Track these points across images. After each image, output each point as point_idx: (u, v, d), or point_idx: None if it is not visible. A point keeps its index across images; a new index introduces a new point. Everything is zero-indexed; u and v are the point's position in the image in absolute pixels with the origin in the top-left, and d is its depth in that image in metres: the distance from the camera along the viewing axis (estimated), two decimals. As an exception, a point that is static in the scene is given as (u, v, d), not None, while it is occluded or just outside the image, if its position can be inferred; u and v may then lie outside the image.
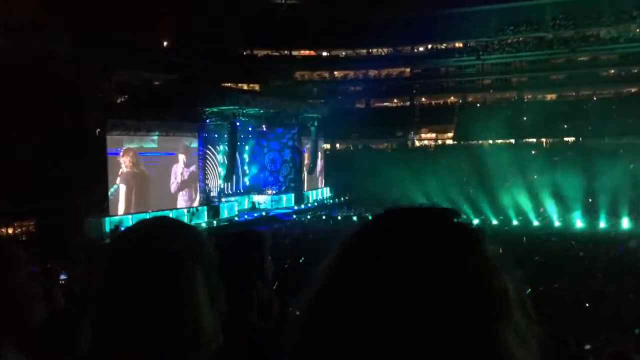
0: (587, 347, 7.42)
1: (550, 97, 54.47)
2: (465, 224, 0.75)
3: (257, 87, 51.90)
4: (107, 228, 24.38)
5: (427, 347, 0.63)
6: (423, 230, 0.71)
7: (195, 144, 30.00)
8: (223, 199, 32.75)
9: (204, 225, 28.17)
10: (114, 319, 1.07)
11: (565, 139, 48.63)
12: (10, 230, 24.22)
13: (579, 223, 29.66)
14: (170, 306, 1.07)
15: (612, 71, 52.99)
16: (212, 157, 32.93)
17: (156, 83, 41.78)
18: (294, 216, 34.09)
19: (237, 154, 33.16)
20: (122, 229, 1.21)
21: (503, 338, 0.66)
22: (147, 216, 24.43)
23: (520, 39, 55.01)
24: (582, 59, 53.42)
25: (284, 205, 36.40)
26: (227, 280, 1.88)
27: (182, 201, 29.25)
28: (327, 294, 0.70)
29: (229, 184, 35.01)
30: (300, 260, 18.07)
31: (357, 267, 0.69)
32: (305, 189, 39.33)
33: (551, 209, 32.14)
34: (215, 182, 33.37)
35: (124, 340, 1.06)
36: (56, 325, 2.31)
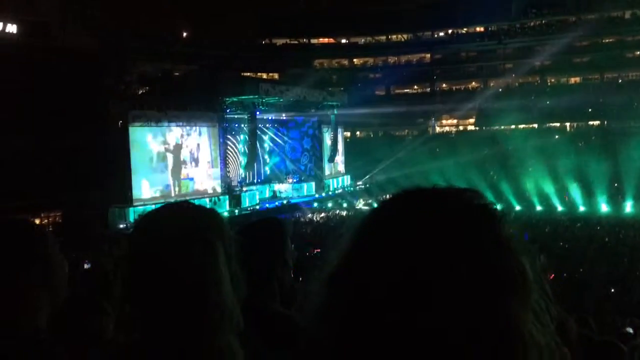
0: (629, 330, 7.25)
1: (574, 80, 53.43)
2: (483, 203, 0.73)
3: (276, 76, 51.87)
4: (132, 218, 24.74)
5: (443, 326, 0.62)
6: (441, 208, 0.70)
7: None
8: (244, 188, 32.96)
9: (225, 214, 28.41)
10: (143, 297, 1.11)
11: (590, 122, 47.74)
12: (37, 221, 24.71)
13: (604, 208, 29.19)
14: (196, 281, 1.10)
15: (638, 53, 51.70)
16: (233, 146, 33.12)
17: (176, 74, 42.05)
18: (315, 204, 34.17)
19: (257, 143, 33.29)
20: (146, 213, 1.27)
21: (520, 318, 0.65)
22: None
23: (543, 22, 53.93)
24: (606, 41, 52.19)
25: (305, 194, 36.50)
26: (249, 267, 1.91)
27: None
28: (344, 274, 0.70)
29: (250, 173, 35.20)
30: (318, 251, 18.14)
31: (375, 245, 0.68)
32: (326, 177, 39.36)
33: (575, 194, 31.68)
34: (237, 171, 33.60)
35: (152, 317, 1.09)
36: (79, 311, 2.35)
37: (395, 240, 0.67)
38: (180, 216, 1.19)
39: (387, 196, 0.77)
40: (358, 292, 0.66)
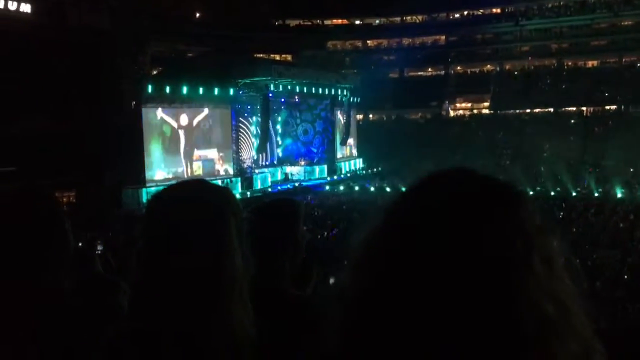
0: None
1: (592, 63, 52.54)
2: (510, 187, 0.74)
3: (289, 57, 51.63)
4: (144, 199, 24.91)
5: (473, 309, 0.64)
6: (472, 192, 0.71)
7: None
8: (256, 170, 33.03)
9: (237, 195, 28.50)
10: (159, 268, 1.14)
11: (607, 107, 47.02)
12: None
13: (619, 194, 28.88)
14: (211, 251, 1.14)
15: (658, 36, 50.70)
16: (246, 128, 33.13)
17: (189, 55, 41.99)
18: (327, 187, 34.19)
19: (269, 125, 33.26)
20: (157, 191, 1.32)
21: (546, 299, 0.66)
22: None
23: (561, 3, 52.95)
24: (626, 23, 51.15)
25: (317, 176, 36.50)
26: (261, 246, 1.90)
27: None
28: (375, 257, 0.70)
29: (262, 155, 35.24)
30: (334, 232, 18.19)
31: (405, 230, 0.69)
32: (338, 160, 39.30)
33: (591, 179, 31.36)
34: (249, 154, 33.65)
35: (170, 280, 1.12)
36: (96, 289, 2.37)
37: (422, 230, 0.68)
38: (195, 190, 1.23)
39: (414, 181, 0.76)
40: (384, 281, 0.67)
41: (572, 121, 45.63)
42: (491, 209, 0.69)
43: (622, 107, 45.63)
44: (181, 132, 27.73)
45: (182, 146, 27.81)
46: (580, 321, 0.68)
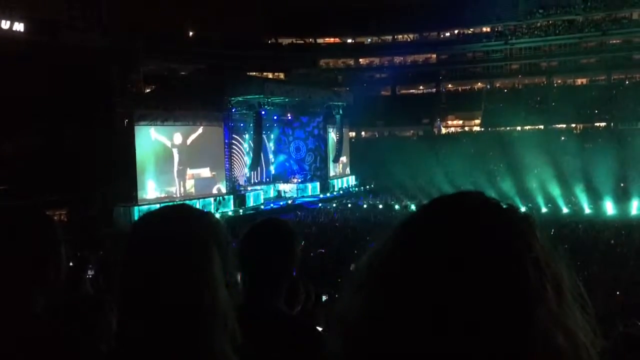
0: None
1: (581, 81, 53.23)
2: (522, 213, 0.75)
3: (282, 75, 51.93)
4: (136, 217, 24.78)
5: (485, 338, 0.63)
6: (484, 220, 0.71)
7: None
8: (249, 188, 33.00)
9: (230, 213, 28.44)
10: (140, 297, 1.11)
11: (597, 124, 47.52)
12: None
13: (610, 210, 29.04)
14: (190, 283, 1.10)
15: (646, 54, 51.50)
16: (238, 146, 33.17)
17: (182, 73, 42.12)
18: (320, 204, 34.17)
19: (262, 143, 33.31)
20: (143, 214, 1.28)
21: (557, 330, 0.66)
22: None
23: (550, 22, 53.75)
24: (614, 42, 51.96)
25: (310, 194, 36.50)
26: (256, 267, 1.91)
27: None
28: (383, 279, 0.70)
29: (255, 172, 35.24)
30: (325, 249, 18.15)
31: (416, 255, 0.69)
32: (331, 177, 39.35)
33: (581, 196, 31.54)
34: (242, 171, 33.64)
35: (150, 317, 1.09)
36: (84, 310, 2.37)
37: (430, 256, 0.68)
38: (177, 218, 1.19)
39: (420, 206, 0.76)
40: (391, 304, 0.67)
41: (562, 138, 46.02)
42: (505, 237, 0.69)
43: (612, 124, 46.13)
44: (174, 151, 27.67)
45: (175, 165, 27.74)
46: (588, 354, 0.68)
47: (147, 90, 34.44)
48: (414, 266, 0.68)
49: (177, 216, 1.20)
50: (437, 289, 0.65)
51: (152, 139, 26.53)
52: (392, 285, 0.68)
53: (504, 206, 0.74)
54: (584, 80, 53.07)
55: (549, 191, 32.42)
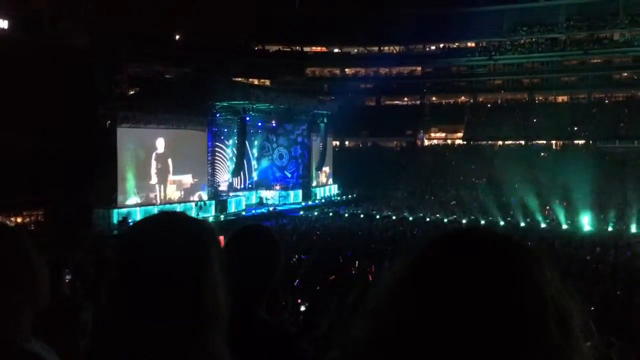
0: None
1: (562, 99, 54.11)
2: (530, 249, 0.79)
3: (267, 82, 51.95)
4: (115, 220, 24.54)
5: None
6: (495, 255, 0.74)
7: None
8: (231, 194, 32.87)
9: (211, 219, 28.28)
10: (135, 302, 1.09)
11: (576, 141, 48.32)
12: (19, 219, 24.43)
13: (587, 226, 29.49)
14: (192, 285, 1.10)
15: (625, 74, 52.56)
16: (221, 151, 33.05)
17: (167, 76, 41.90)
18: (301, 212, 34.15)
19: (245, 149, 33.24)
20: (137, 220, 1.24)
21: (569, 357, 0.69)
22: (154, 210, 24.32)
23: (533, 39, 54.65)
24: (595, 61, 52.99)
25: (292, 201, 36.46)
26: (239, 274, 1.91)
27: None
28: (398, 304, 0.73)
29: (237, 178, 35.13)
30: (305, 257, 18.11)
31: (429, 285, 0.72)
32: (313, 186, 39.37)
33: (559, 211, 31.98)
34: (224, 177, 33.51)
35: (150, 319, 1.08)
36: (62, 313, 2.35)
37: (447, 289, 0.70)
38: (176, 221, 1.20)
39: (431, 241, 0.79)
40: (404, 328, 0.70)
41: (542, 154, 46.67)
42: (513, 272, 0.72)
43: (591, 142, 46.93)
44: (156, 154, 27.46)
45: (157, 168, 27.52)
46: None
47: (131, 92, 34.18)
48: (426, 301, 0.70)
49: (175, 219, 1.20)
50: (447, 324, 0.68)
51: (133, 141, 26.30)
52: (405, 317, 0.70)
53: (512, 243, 0.77)
54: (565, 98, 53.97)
55: (528, 206, 32.81)
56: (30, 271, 1.47)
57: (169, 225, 1.18)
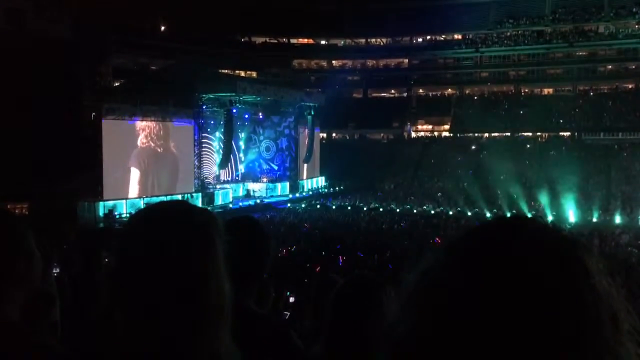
0: None
1: (548, 91, 54.50)
2: (578, 239, 0.74)
3: (254, 74, 51.70)
4: (101, 212, 24.36)
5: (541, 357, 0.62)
6: (544, 246, 0.70)
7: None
8: (218, 186, 32.76)
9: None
10: (140, 293, 1.06)
11: (562, 133, 48.75)
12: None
13: (572, 217, 29.84)
14: (199, 274, 1.08)
15: (610, 67, 53.02)
16: (208, 143, 32.89)
17: (153, 68, 41.55)
18: (289, 204, 34.15)
19: (232, 141, 33.10)
20: (138, 209, 1.23)
21: (618, 354, 0.65)
22: (139, 203, 24.13)
23: (519, 32, 54.91)
24: (580, 53, 53.40)
25: (279, 194, 36.44)
26: (233, 266, 1.90)
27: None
28: (438, 296, 0.69)
29: (224, 171, 35.00)
30: (293, 249, 18.16)
31: (473, 276, 0.68)
32: (300, 178, 39.36)
33: (545, 202, 32.32)
34: (211, 169, 33.37)
35: (157, 308, 1.05)
36: (47, 304, 2.35)
37: (492, 280, 0.66)
38: (180, 210, 1.17)
39: (478, 228, 0.75)
40: (442, 322, 0.67)
41: (528, 146, 47.03)
42: (565, 265, 0.68)
43: (576, 133, 47.38)
44: (141, 146, 27.26)
45: (142, 160, 27.33)
46: None
47: (116, 84, 33.85)
48: (467, 293, 0.67)
49: (179, 208, 1.17)
50: (491, 316, 0.64)
51: (119, 134, 26.08)
52: (446, 306, 0.67)
53: (560, 232, 0.73)
54: (550, 90, 54.35)
55: (513, 197, 33.11)
56: (25, 257, 1.48)
57: (174, 212, 1.16)
